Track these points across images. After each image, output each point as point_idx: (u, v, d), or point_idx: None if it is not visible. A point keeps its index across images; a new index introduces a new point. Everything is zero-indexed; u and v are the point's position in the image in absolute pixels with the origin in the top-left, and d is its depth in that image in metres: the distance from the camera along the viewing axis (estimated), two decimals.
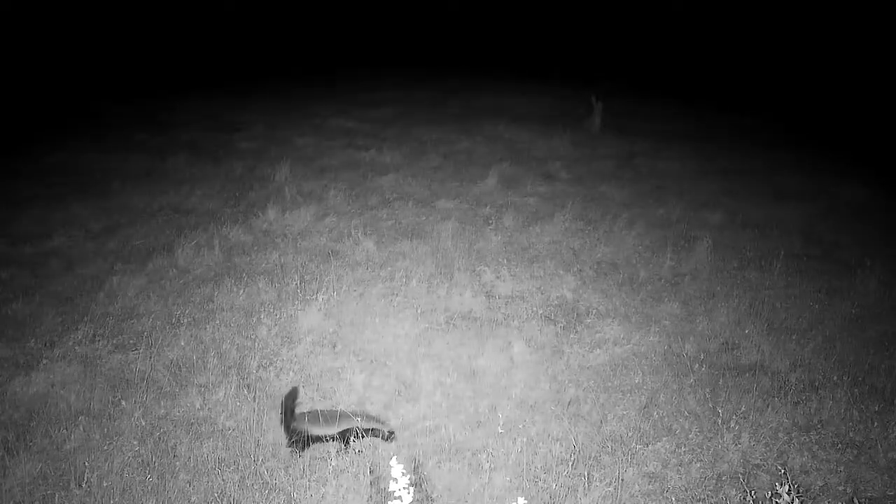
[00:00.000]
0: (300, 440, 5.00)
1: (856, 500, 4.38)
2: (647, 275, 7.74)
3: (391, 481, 2.63)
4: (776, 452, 5.05)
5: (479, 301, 7.14)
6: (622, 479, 4.81)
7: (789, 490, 3.59)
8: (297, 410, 5.20)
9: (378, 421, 5.13)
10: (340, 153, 11.82)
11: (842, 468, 4.84)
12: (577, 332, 6.67)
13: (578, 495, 4.66)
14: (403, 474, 2.62)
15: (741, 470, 4.87)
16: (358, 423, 4.98)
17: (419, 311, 6.89)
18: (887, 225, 9.06)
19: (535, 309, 7.04)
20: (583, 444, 5.17)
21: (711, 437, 5.22)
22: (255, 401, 5.50)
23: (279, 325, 6.58)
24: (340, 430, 4.99)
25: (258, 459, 4.98)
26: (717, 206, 9.72)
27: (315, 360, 6.17)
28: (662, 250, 8.18)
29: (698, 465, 4.96)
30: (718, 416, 5.40)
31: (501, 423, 5.20)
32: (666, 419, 5.45)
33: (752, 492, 4.51)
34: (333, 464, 4.87)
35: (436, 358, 6.24)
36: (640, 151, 12.37)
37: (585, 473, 4.85)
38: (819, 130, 13.93)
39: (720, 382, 5.88)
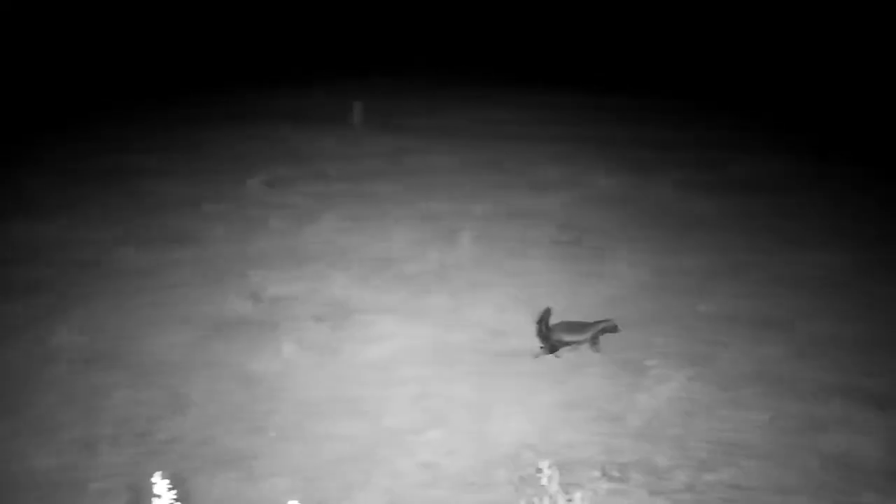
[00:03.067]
0: (555, 346, 6.24)
1: (607, 467, 4.71)
2: (416, 268, 7.91)
3: (153, 500, 2.47)
4: (543, 431, 5.30)
5: (251, 305, 6.98)
6: (398, 471, 4.86)
7: (550, 465, 3.78)
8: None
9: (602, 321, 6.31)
10: (103, 159, 11.11)
11: (599, 439, 5.18)
12: (349, 329, 6.68)
13: (355, 492, 4.66)
14: (169, 489, 2.46)
15: (511, 451, 5.07)
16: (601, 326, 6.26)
17: (189, 319, 6.62)
18: (631, 212, 9.81)
19: (306, 309, 6.98)
20: (362, 439, 5.18)
21: (482, 423, 5.40)
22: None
23: (25, 346, 6.06)
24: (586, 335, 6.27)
25: None
26: (483, 198, 10.09)
27: (75, 378, 5.75)
28: (430, 244, 8.39)
29: (470, 450, 5.11)
30: (489, 401, 5.60)
31: (278, 427, 5.09)
32: (438, 409, 5.57)
33: (520, 471, 4.72)
34: (95, 486, 4.56)
35: (209, 366, 6.04)
36: (410, 147, 12.61)
37: (363, 469, 4.87)
38: (573, 125, 14.83)
39: (489, 369, 6.11)
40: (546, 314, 6.27)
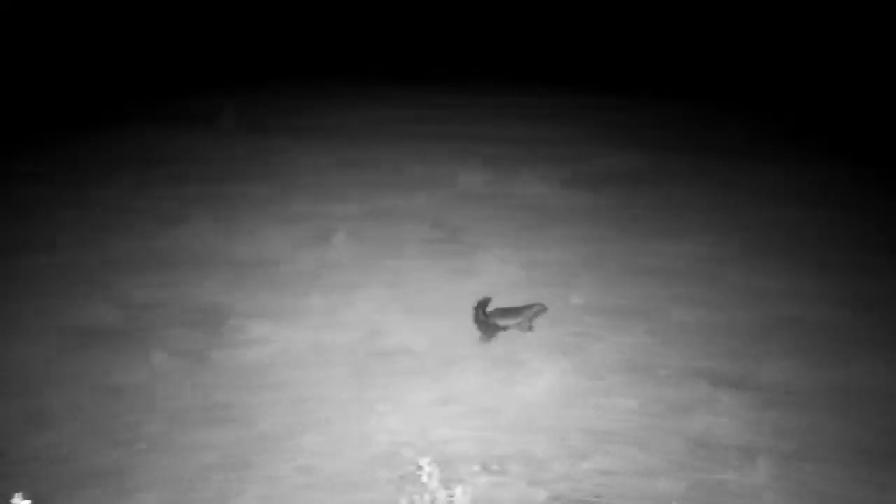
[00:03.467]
0: (491, 330, 6.55)
1: (486, 461, 4.78)
2: (289, 270, 7.80)
3: None
4: (420, 428, 5.32)
5: (115, 313, 6.69)
6: (274, 477, 4.77)
7: (430, 462, 3.80)
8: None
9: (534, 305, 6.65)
10: None
11: (477, 434, 5.24)
12: (221, 335, 6.51)
13: (230, 501, 4.54)
14: None
15: (390, 450, 5.06)
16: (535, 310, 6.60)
17: (49, 330, 6.28)
18: (502, 208, 9.99)
19: (176, 315, 6.75)
20: (236, 446, 5.05)
21: (360, 423, 5.37)
22: None
23: None
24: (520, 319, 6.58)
25: None
26: (356, 198, 10.06)
27: None
28: (303, 244, 8.28)
29: (349, 451, 5.07)
30: (367, 401, 5.57)
31: (147, 440, 4.91)
32: (315, 411, 5.50)
33: (400, 469, 4.73)
34: None
35: (71, 378, 5.75)
36: (283, 147, 12.41)
37: (237, 477, 4.74)
38: (437, 122, 14.96)
39: (366, 369, 6.08)
40: (484, 302, 6.57)
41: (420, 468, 3.83)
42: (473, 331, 6.55)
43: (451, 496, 3.83)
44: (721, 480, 4.76)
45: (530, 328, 6.64)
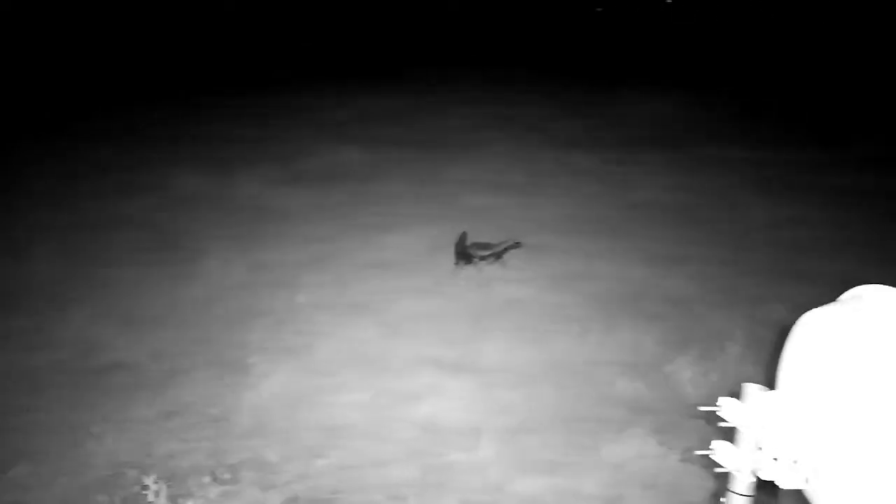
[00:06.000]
0: (470, 259, 7.75)
1: (218, 470, 4.60)
2: None
3: None
4: (143, 446, 5.01)
5: None
6: None
7: (156, 479, 3.59)
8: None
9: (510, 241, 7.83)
10: None
11: (204, 444, 5.04)
12: None
13: None
14: None
15: (109, 472, 4.71)
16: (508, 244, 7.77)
17: None
18: (221, 210, 9.69)
19: None
20: None
21: (76, 448, 4.95)
22: None
23: None
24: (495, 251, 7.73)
25: None
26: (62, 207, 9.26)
27: None
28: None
29: (64, 479, 4.66)
30: (82, 423, 5.15)
31: None
32: (22, 440, 5.03)
33: (123, 491, 4.42)
34: None
35: None
36: None
37: None
38: (149, 125, 14.22)
39: (81, 388, 5.64)
40: (463, 236, 7.82)
41: (146, 487, 3.62)
42: (201, 334, 6.31)
43: None
44: (450, 462, 4.96)
45: (502, 261, 7.74)
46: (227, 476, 4.64)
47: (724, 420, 1.93)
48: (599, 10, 32.43)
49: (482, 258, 7.78)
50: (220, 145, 12.73)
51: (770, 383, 1.94)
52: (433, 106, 16.06)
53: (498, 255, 7.77)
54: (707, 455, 1.98)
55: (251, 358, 6.07)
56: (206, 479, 4.59)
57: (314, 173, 11.35)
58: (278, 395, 5.63)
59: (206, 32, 24.52)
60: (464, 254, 7.77)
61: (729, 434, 1.95)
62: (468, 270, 7.74)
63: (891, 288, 1.74)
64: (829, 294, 1.96)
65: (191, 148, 12.49)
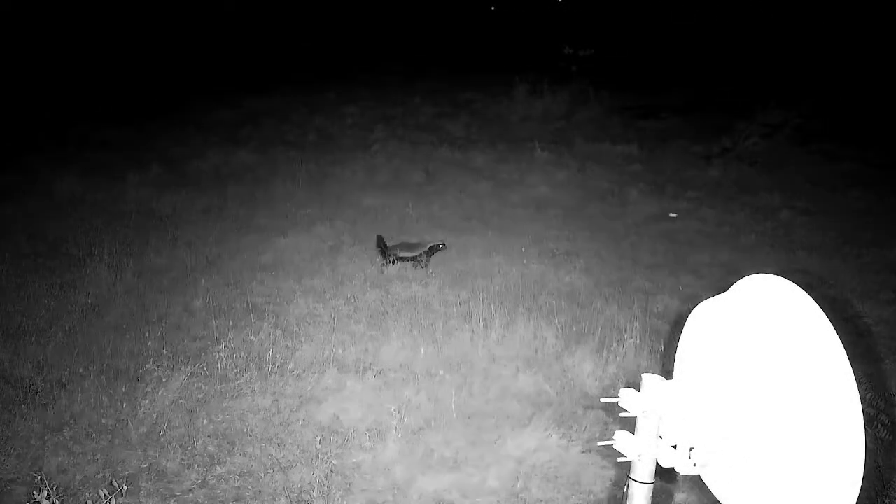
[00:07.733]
0: (393, 260, 7.80)
1: (115, 482, 4.44)
2: None
3: None
4: (30, 461, 4.80)
5: None
6: None
7: (48, 495, 3.45)
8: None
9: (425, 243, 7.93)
10: None
11: (99, 456, 4.87)
12: None
13: None
14: None
15: (1, 489, 4.50)
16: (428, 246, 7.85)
17: None
18: (108, 214, 9.36)
19: None
20: None
21: None
22: None
23: None
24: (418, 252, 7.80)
25: None
26: None
27: None
28: None
29: None
30: None
31: None
32: None
33: None
34: None
35: None
36: None
37: None
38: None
39: None
40: (381, 238, 7.96)
41: (38, 503, 3.47)
42: (83, 346, 6.08)
43: None
44: (354, 462, 4.95)
45: (426, 262, 7.83)
46: (124, 487, 4.49)
47: (624, 410, 2.02)
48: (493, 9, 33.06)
49: (408, 259, 7.84)
50: (106, 148, 12.28)
51: (667, 373, 2.04)
52: (325, 106, 15.98)
53: (428, 256, 7.86)
54: (608, 444, 2.06)
55: (146, 365, 5.89)
56: (103, 492, 4.42)
57: (205, 175, 11.11)
58: (175, 402, 5.48)
59: (98, 34, 23.56)
60: (387, 254, 7.85)
61: (629, 424, 2.03)
62: (374, 269, 7.81)
63: (775, 276, 1.85)
64: (716, 285, 2.07)
65: (76, 151, 11.99)
